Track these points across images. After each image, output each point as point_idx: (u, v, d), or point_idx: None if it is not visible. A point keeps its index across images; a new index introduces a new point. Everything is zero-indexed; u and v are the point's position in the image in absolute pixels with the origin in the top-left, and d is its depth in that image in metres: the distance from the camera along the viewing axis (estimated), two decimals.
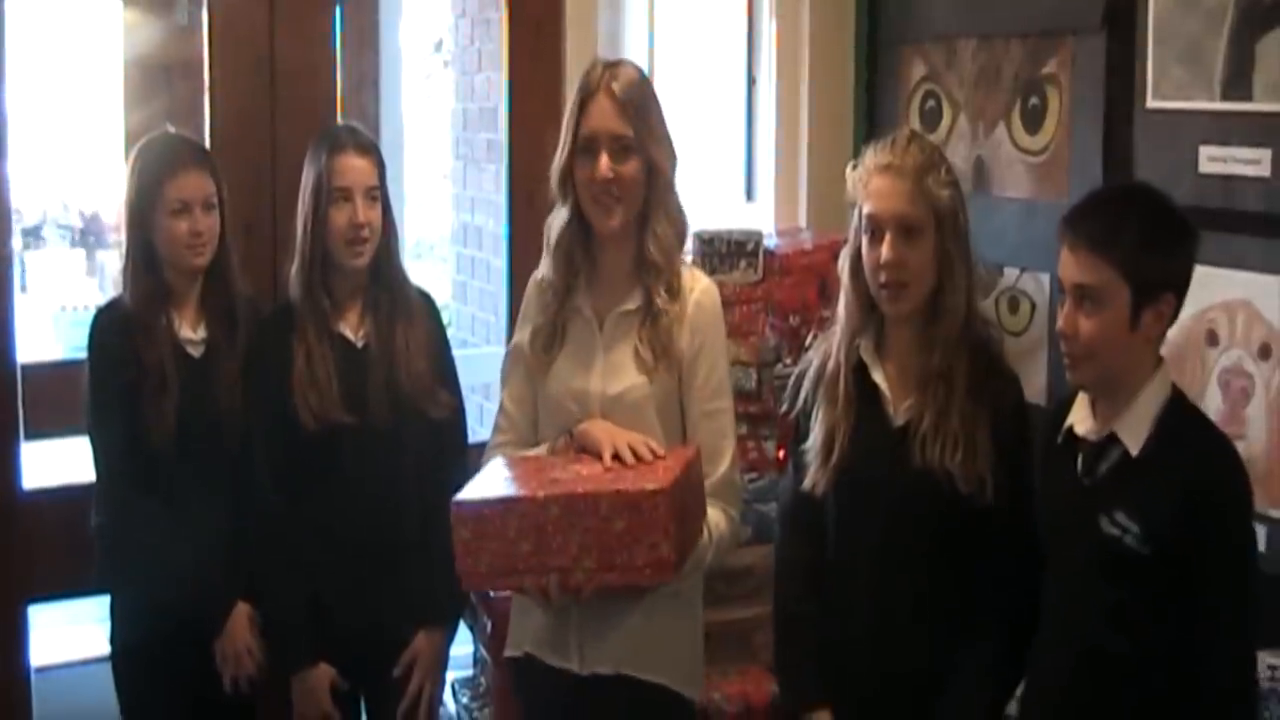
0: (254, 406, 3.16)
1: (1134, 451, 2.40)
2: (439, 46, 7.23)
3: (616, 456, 2.65)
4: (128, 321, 3.13)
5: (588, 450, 2.72)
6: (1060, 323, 2.45)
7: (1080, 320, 2.40)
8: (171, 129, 3.29)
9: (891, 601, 2.69)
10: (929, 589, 2.68)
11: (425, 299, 3.31)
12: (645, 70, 4.28)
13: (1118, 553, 2.38)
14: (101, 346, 3.15)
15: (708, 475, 2.74)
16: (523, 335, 2.87)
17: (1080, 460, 2.48)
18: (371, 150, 3.19)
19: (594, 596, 2.61)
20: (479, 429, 3.50)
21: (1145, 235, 2.38)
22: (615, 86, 2.72)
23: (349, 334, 3.18)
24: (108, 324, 3.16)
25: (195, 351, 3.19)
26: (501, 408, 2.92)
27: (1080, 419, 2.49)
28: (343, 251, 3.13)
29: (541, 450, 2.81)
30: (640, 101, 2.75)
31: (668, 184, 2.79)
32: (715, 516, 2.75)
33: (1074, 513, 2.46)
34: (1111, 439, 2.43)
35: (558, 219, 2.81)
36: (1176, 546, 2.33)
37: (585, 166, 2.73)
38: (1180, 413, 2.43)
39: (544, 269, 2.85)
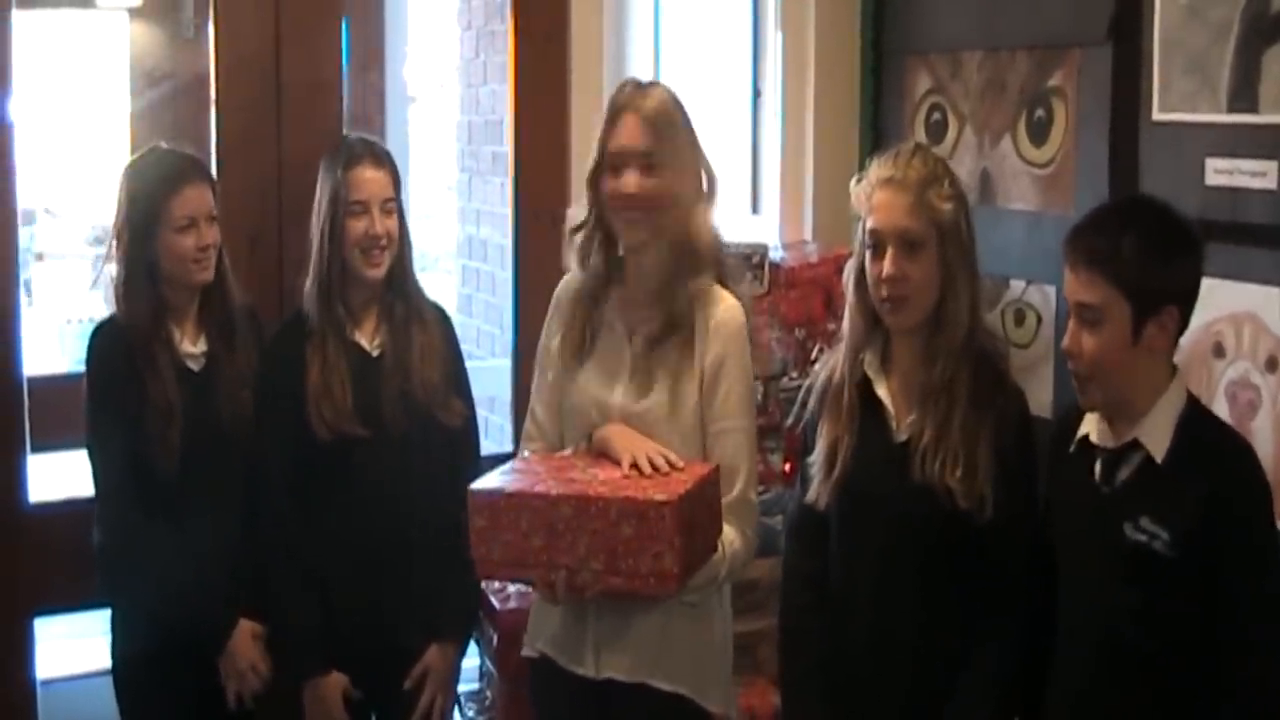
0: (266, 416, 3.16)
1: (1158, 458, 2.40)
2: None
3: (635, 465, 2.67)
4: (127, 340, 3.11)
5: (607, 455, 2.74)
6: (1065, 341, 2.46)
7: (1084, 338, 2.41)
8: (164, 144, 3.27)
9: (892, 615, 2.69)
10: (929, 603, 2.67)
11: (438, 310, 3.32)
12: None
13: (1145, 557, 2.38)
14: (101, 366, 3.13)
15: (723, 494, 2.74)
16: (551, 341, 2.89)
17: (1099, 468, 2.48)
18: (386, 162, 3.20)
19: (599, 598, 2.64)
20: (484, 441, 3.50)
21: (1141, 250, 2.37)
22: (644, 105, 2.76)
23: (364, 343, 3.18)
24: (107, 343, 3.14)
25: (195, 365, 3.17)
26: (531, 413, 2.95)
27: (1094, 426, 2.49)
28: (360, 262, 3.14)
29: (565, 453, 2.82)
30: (666, 122, 2.78)
31: (693, 204, 2.80)
32: (729, 534, 2.75)
33: (1092, 520, 2.47)
34: (1131, 446, 2.43)
35: (579, 227, 2.85)
36: (1203, 551, 2.34)
37: (612, 183, 2.75)
38: (1199, 419, 2.44)
39: (573, 275, 2.89)
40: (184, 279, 3.14)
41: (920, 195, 2.62)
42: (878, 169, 2.68)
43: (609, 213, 2.79)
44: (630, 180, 2.74)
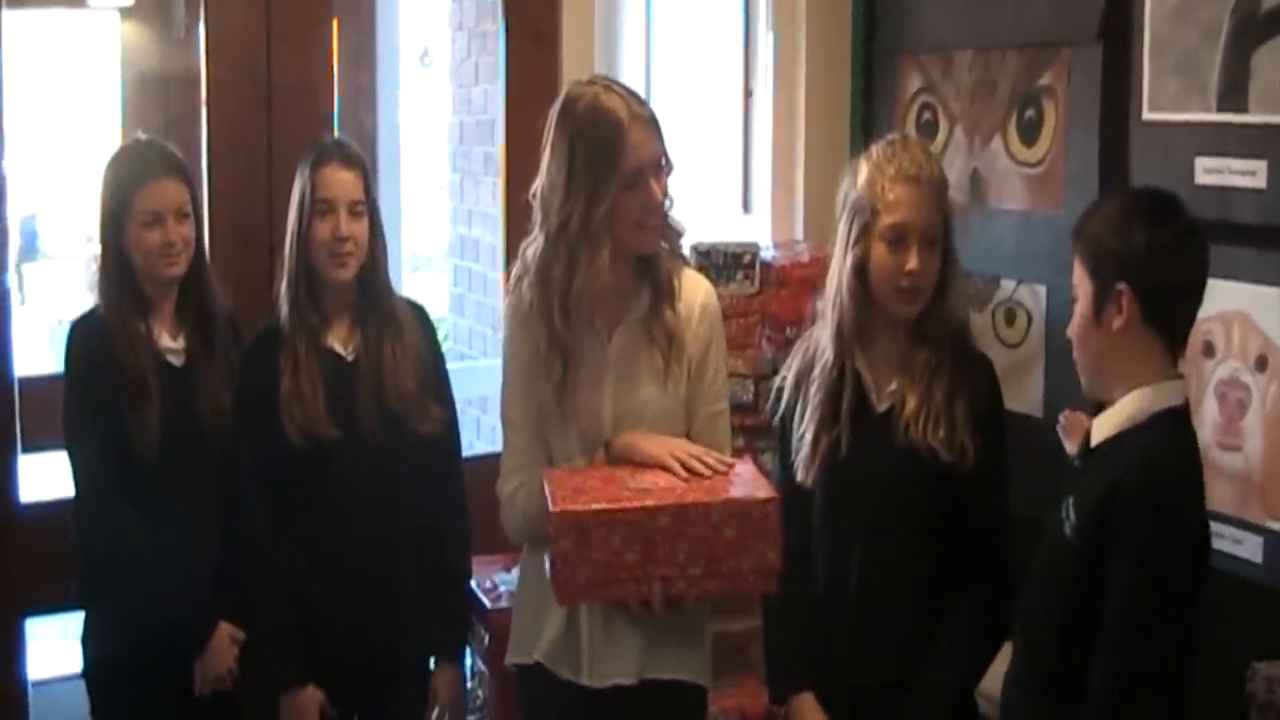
0: (242, 431, 3.11)
1: (1094, 443, 2.40)
2: (423, 58, 7.23)
3: (687, 467, 2.67)
4: (105, 331, 3.08)
5: (633, 461, 2.71)
6: (1068, 328, 2.48)
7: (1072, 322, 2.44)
8: (144, 136, 3.25)
9: (880, 582, 2.73)
10: (916, 569, 2.73)
11: (417, 310, 3.27)
12: (643, 82, 4.32)
13: (1060, 542, 2.38)
14: (79, 357, 3.10)
15: None
16: (522, 365, 2.81)
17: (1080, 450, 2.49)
18: (357, 163, 3.13)
19: (696, 603, 2.67)
20: (475, 442, 3.49)
21: (1100, 227, 2.37)
22: (644, 111, 2.71)
23: (338, 348, 3.13)
24: (85, 334, 3.11)
25: (176, 360, 3.15)
26: (513, 428, 2.86)
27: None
28: (325, 264, 3.08)
29: (582, 465, 2.77)
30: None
31: None
32: None
33: (1056, 496, 2.47)
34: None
35: (543, 249, 2.74)
36: (1094, 544, 2.30)
37: (639, 197, 2.68)
38: (1162, 423, 2.35)
39: (527, 302, 2.77)
40: (152, 273, 3.12)
41: (940, 193, 2.73)
42: (889, 162, 2.71)
43: (627, 227, 2.69)
44: (659, 188, 2.71)
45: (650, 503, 2.56)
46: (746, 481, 2.64)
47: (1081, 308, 2.40)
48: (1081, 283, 2.40)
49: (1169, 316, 2.38)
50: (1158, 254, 2.33)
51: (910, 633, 2.72)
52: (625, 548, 2.55)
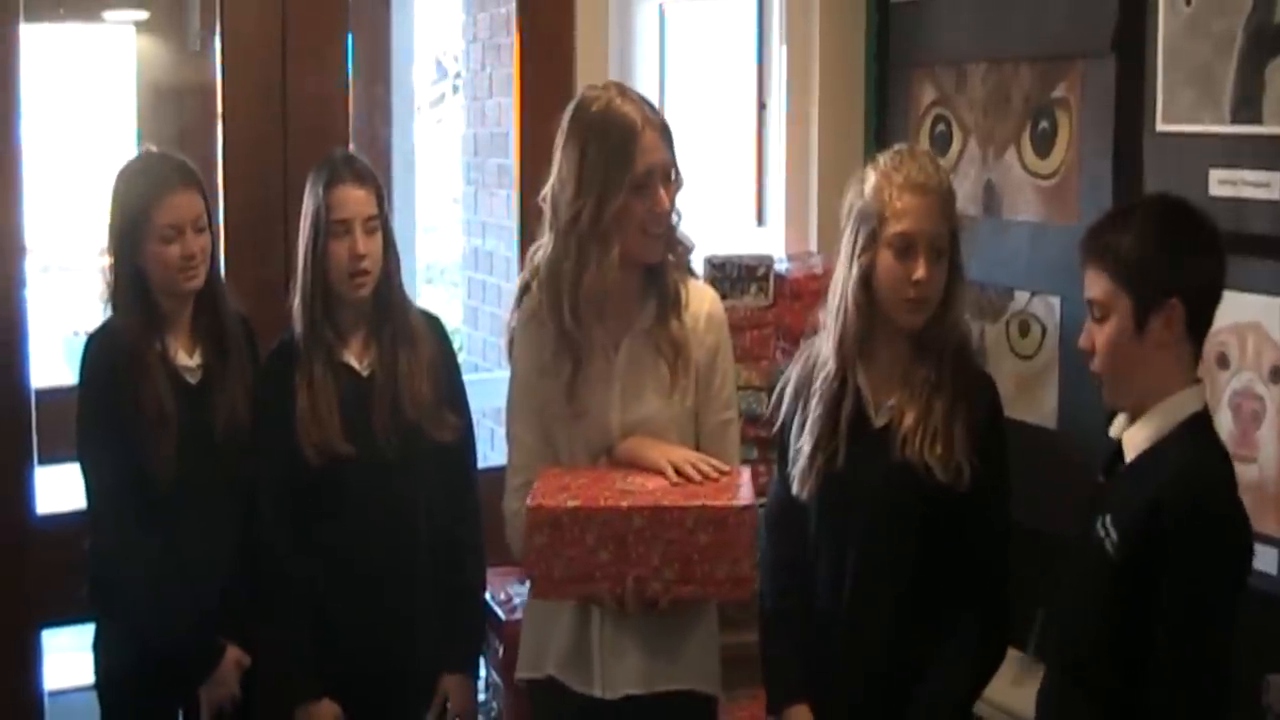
0: (260, 442, 3.12)
1: (1128, 458, 2.40)
2: (444, 74, 7.25)
3: (680, 472, 2.69)
4: (121, 347, 3.06)
5: (637, 466, 2.73)
6: (1080, 339, 2.46)
7: (1095, 335, 2.41)
8: (154, 149, 3.23)
9: (874, 596, 2.72)
10: (911, 584, 2.72)
11: (431, 320, 3.26)
12: (657, 95, 4.32)
13: (1101, 559, 2.37)
14: (94, 375, 3.07)
15: None
16: (529, 370, 2.85)
17: (1106, 463, 2.49)
18: (369, 179, 3.12)
19: (670, 607, 2.66)
20: (490, 453, 3.49)
21: (1140, 241, 2.36)
22: (657, 118, 2.74)
23: (354, 363, 3.13)
24: (100, 352, 3.08)
25: (192, 379, 3.13)
26: (519, 444, 2.89)
27: (1119, 421, 2.48)
28: (344, 284, 3.08)
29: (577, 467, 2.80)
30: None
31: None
32: None
33: (1086, 510, 2.47)
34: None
35: (553, 246, 2.77)
36: (1140, 560, 2.29)
37: (647, 201, 2.71)
38: (1191, 432, 2.37)
39: (535, 304, 2.81)
40: (171, 288, 3.09)
41: (948, 203, 2.71)
42: (897, 171, 2.70)
43: (633, 231, 2.71)
44: (665, 196, 2.72)
45: (625, 504, 2.59)
46: (730, 489, 2.64)
47: (1121, 323, 2.36)
48: (1111, 298, 2.37)
49: (1207, 325, 2.40)
50: (1203, 265, 2.37)
51: (905, 646, 2.71)
52: (599, 546, 2.58)
